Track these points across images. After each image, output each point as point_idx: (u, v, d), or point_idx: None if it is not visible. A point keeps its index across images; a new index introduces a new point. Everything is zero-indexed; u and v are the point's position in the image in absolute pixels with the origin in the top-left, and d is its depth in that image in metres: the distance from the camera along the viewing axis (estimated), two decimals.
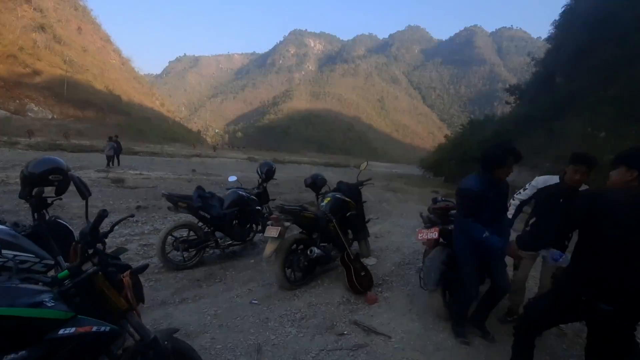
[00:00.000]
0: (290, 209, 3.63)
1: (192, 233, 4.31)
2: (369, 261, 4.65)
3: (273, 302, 3.42)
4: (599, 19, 20.44)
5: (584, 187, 2.80)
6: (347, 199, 4.37)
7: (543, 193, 2.99)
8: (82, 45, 78.06)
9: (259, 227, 4.96)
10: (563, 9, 28.04)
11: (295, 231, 4.08)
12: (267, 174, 5.10)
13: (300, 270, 3.79)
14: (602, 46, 19.44)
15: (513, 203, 3.18)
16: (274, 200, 5.49)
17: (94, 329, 1.25)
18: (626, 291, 1.66)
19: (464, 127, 35.06)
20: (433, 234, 3.14)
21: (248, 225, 4.89)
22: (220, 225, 4.41)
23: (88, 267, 1.41)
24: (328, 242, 4.07)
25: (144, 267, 1.64)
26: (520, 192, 3.20)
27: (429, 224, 3.38)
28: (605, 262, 1.70)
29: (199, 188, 4.48)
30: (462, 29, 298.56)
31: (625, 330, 1.76)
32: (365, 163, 4.96)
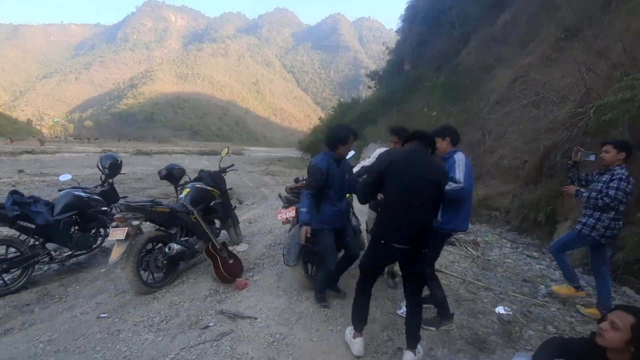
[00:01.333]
0: (138, 205, 3.25)
1: (12, 249, 3.44)
2: (239, 248, 4.62)
3: (127, 311, 3.07)
4: (433, 15, 24.64)
5: None
6: (209, 187, 4.18)
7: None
8: None
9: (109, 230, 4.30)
10: (407, 4, 32.64)
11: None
12: (112, 168, 4.41)
13: (159, 270, 3.48)
14: (436, 39, 23.63)
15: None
16: (125, 197, 4.83)
17: None
18: (408, 230, 2.15)
19: (335, 110, 37.86)
20: (291, 212, 3.31)
21: (94, 231, 4.19)
22: (51, 234, 3.65)
23: None
24: (191, 235, 3.84)
25: None
26: (363, 163, 3.67)
27: (287, 203, 3.54)
28: (392, 208, 2.21)
29: (14, 193, 3.58)
30: (328, 16, 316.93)
31: (420, 262, 2.27)
32: (227, 149, 4.81)
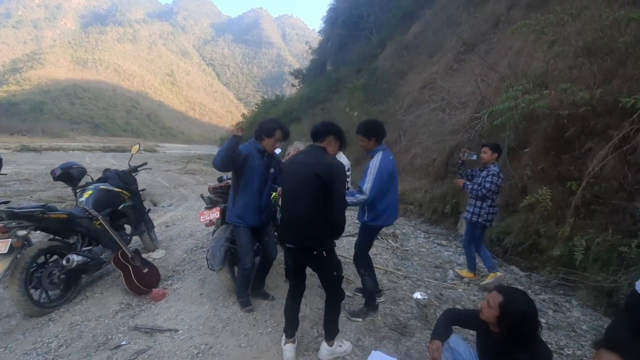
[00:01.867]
0: (24, 212, 2.70)
1: None
2: (155, 254, 4.20)
3: (15, 339, 2.56)
4: (353, 20, 25.80)
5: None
6: (117, 189, 3.69)
7: None
8: None
9: None
10: (329, 7, 33.61)
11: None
12: None
13: (55, 286, 2.96)
14: (355, 42, 24.78)
15: None
16: (7, 202, 3.97)
17: None
18: (291, 229, 2.21)
19: (259, 106, 37.13)
20: (215, 214, 3.10)
21: None
22: None
23: None
24: (96, 243, 3.35)
25: None
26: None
27: (210, 204, 3.32)
28: (282, 208, 2.31)
29: None
30: (250, 9, 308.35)
31: (321, 264, 2.27)
32: (138, 145, 4.30)
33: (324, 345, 2.38)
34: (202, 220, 3.16)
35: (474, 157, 3.79)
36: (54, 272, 2.94)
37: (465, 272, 4.07)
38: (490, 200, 3.56)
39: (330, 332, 2.37)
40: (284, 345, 2.37)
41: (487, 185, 3.48)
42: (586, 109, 3.90)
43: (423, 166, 8.08)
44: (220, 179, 3.87)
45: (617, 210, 3.58)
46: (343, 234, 2.88)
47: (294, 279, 2.42)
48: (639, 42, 3.74)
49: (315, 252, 2.18)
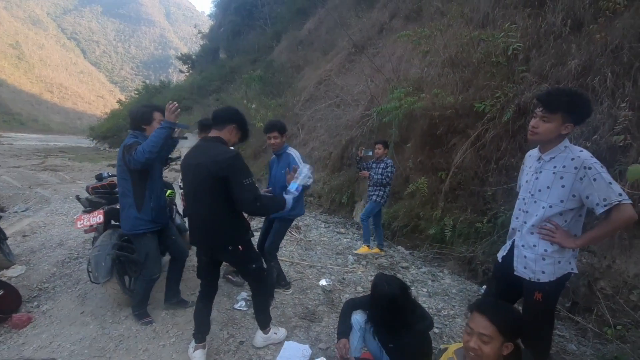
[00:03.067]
0: None
1: None
2: (11, 272, 3.36)
3: None
4: (247, 8, 24.94)
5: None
6: None
7: None
8: None
9: None
10: None
11: None
12: None
13: None
14: (250, 32, 24.07)
15: None
16: None
17: None
18: (195, 230, 2.17)
19: (139, 92, 32.91)
20: (97, 217, 2.65)
21: None
22: None
23: None
24: None
25: None
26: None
27: (90, 207, 2.82)
28: (188, 213, 2.23)
29: None
30: None
31: (238, 260, 2.26)
32: None
33: (259, 333, 2.44)
34: (79, 226, 2.66)
35: (370, 153, 4.59)
36: None
37: (362, 249, 4.71)
38: (388, 187, 4.51)
39: (262, 323, 2.43)
40: (193, 352, 2.22)
41: (389, 174, 4.41)
42: (452, 111, 4.71)
43: (321, 159, 8.47)
44: (100, 177, 3.30)
45: (474, 194, 4.45)
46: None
47: (206, 277, 2.29)
48: (487, 58, 4.67)
49: (230, 247, 2.12)
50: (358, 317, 2.18)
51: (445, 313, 3.12)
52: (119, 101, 39.11)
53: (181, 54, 36.76)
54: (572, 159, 1.65)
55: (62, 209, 6.33)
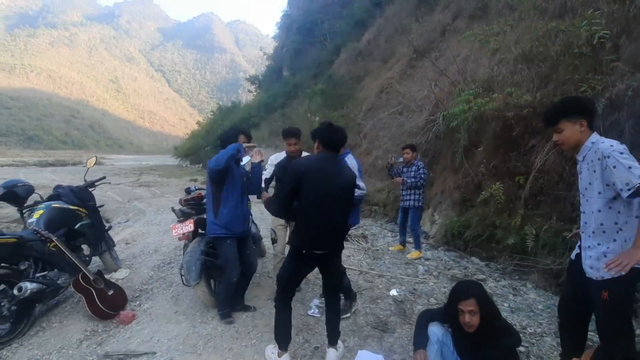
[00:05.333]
0: None
1: None
2: (118, 275, 3.92)
3: None
4: (307, 27, 26.09)
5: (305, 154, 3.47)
6: (71, 206, 3.41)
7: (278, 167, 3.47)
8: None
9: None
10: (283, 13, 33.69)
11: None
12: None
13: (4, 320, 2.66)
14: (311, 48, 25.07)
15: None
16: None
17: None
18: (328, 236, 2.24)
19: (215, 113, 36.09)
20: (188, 226, 3.00)
21: None
22: None
23: None
24: (51, 268, 3.06)
25: None
26: (263, 172, 3.59)
27: (182, 217, 3.19)
28: (310, 216, 2.20)
29: None
30: (200, 14, 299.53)
31: (338, 263, 2.44)
32: (94, 158, 4.02)
33: (332, 351, 2.35)
34: (174, 234, 3.03)
35: (400, 159, 4.86)
36: (2, 303, 2.64)
37: (414, 254, 4.78)
38: (422, 188, 4.72)
39: (337, 336, 2.41)
40: (279, 357, 2.30)
41: (422, 175, 4.62)
42: (529, 110, 4.33)
43: (384, 168, 8.38)
44: (188, 190, 3.73)
45: (559, 199, 4.00)
46: None
47: (294, 288, 2.45)
48: (568, 50, 4.23)
49: (339, 252, 2.38)
50: (435, 329, 2.10)
51: (531, 331, 2.84)
52: (198, 122, 43.24)
53: (249, 75, 39.53)
54: (595, 152, 1.75)
55: (156, 220, 7.21)
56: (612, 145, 1.70)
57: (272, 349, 2.40)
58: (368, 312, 3.16)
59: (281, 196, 2.39)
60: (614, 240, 1.72)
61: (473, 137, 5.52)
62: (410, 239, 5.02)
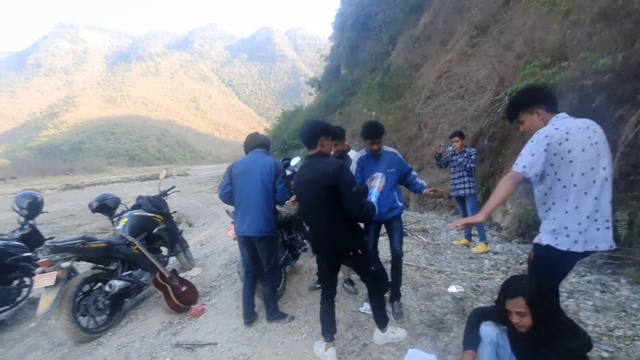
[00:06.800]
0: (65, 244, 2.93)
1: None
2: (192, 272, 4.38)
3: None
4: (362, 21, 25.80)
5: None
6: (149, 214, 3.91)
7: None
8: None
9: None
10: (336, 12, 33.80)
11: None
12: (31, 208, 3.91)
13: (101, 312, 3.16)
14: (366, 43, 24.75)
15: None
16: (52, 238, 4.32)
17: None
18: (319, 240, 2.31)
19: (279, 119, 37.81)
20: None
21: (17, 282, 3.68)
22: None
23: None
24: (135, 268, 3.56)
25: None
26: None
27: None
28: (308, 225, 2.41)
29: None
30: (261, 28, 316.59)
31: (361, 264, 2.37)
32: (165, 171, 4.55)
33: (377, 332, 2.50)
34: (229, 235, 3.28)
35: (449, 148, 4.66)
36: (98, 298, 3.14)
37: (480, 247, 4.47)
38: (474, 174, 4.56)
39: (381, 322, 2.49)
40: (326, 350, 2.35)
41: (473, 157, 4.43)
42: (610, 75, 3.66)
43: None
44: None
45: None
46: None
47: (326, 283, 2.46)
48: None
49: (351, 253, 2.26)
50: (488, 329, 1.92)
51: (620, 333, 2.40)
52: (265, 129, 45.79)
53: (309, 78, 40.47)
54: None
55: (227, 222, 7.84)
56: (545, 129, 1.78)
57: (320, 344, 2.47)
58: (423, 309, 3.02)
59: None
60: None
61: None
62: (475, 231, 4.65)
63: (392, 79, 15.60)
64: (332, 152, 3.24)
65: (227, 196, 2.98)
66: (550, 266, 1.82)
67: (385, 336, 2.48)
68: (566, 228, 1.71)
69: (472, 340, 1.92)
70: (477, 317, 2.00)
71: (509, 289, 1.70)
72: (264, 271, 2.93)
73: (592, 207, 1.69)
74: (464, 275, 3.75)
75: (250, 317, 2.95)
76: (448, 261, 4.22)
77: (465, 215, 4.73)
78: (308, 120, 27.50)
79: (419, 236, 5.19)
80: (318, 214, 2.21)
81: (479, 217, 1.79)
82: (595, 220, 1.69)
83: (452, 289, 3.35)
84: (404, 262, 4.00)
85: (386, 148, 2.94)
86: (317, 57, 44.15)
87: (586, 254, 1.75)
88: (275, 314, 2.95)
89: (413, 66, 14.71)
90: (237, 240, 3.16)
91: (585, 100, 4.07)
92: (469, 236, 4.86)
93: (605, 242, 1.72)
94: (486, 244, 4.49)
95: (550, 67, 4.39)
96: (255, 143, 3.07)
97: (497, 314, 1.82)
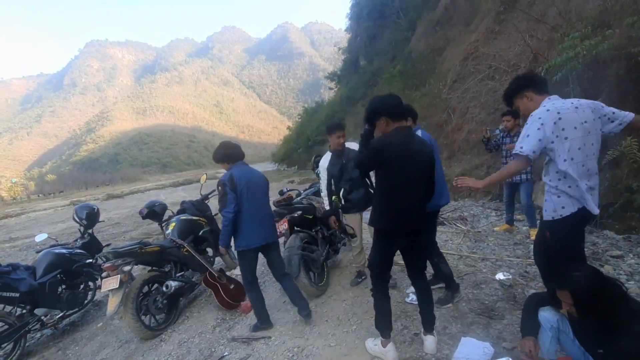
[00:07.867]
0: (126, 250, 3.15)
1: None
2: (237, 271, 4.54)
3: None
4: (378, 9, 25.31)
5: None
6: (194, 217, 4.11)
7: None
8: None
9: (98, 282, 4.14)
10: (352, 2, 33.10)
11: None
12: (89, 218, 4.24)
13: (160, 311, 3.38)
14: (385, 31, 24.30)
15: None
16: (108, 245, 4.65)
17: None
18: (414, 214, 2.12)
19: (301, 116, 38.05)
20: (283, 226, 3.31)
21: (82, 286, 4.01)
22: (38, 299, 3.47)
23: None
24: (186, 269, 3.76)
25: None
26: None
27: (277, 217, 3.53)
28: (394, 195, 2.10)
29: None
30: (277, 26, 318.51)
31: (424, 244, 2.36)
32: (205, 175, 4.75)
33: (430, 338, 2.30)
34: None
35: (497, 132, 4.44)
36: (157, 298, 3.36)
37: (533, 232, 4.14)
38: None
39: (433, 322, 2.32)
40: (385, 347, 2.29)
41: None
42: None
43: (480, 142, 7.61)
44: (281, 192, 4.10)
45: None
46: None
47: (389, 270, 2.36)
48: None
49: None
50: (548, 315, 1.87)
51: None
52: (288, 127, 46.25)
53: (328, 73, 40.31)
54: None
55: None
56: (540, 111, 1.92)
57: (373, 341, 2.41)
58: (471, 297, 2.98)
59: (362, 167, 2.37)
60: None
61: (588, 88, 4.60)
62: (518, 216, 4.48)
63: (414, 65, 15.25)
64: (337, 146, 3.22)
65: (236, 214, 2.77)
66: (567, 235, 1.96)
67: (436, 339, 2.33)
68: (569, 196, 1.91)
69: (531, 326, 1.88)
70: (534, 303, 1.96)
71: (556, 279, 1.66)
72: (279, 273, 3.04)
73: (586, 177, 1.91)
74: (510, 261, 3.64)
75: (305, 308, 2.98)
76: (491, 248, 4.11)
77: (510, 203, 4.59)
78: (329, 114, 27.30)
79: (458, 224, 5.08)
80: (417, 187, 2.12)
81: (479, 184, 2.11)
82: (591, 189, 1.93)
83: (500, 276, 3.27)
84: (445, 251, 3.98)
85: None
86: (335, 50, 43.85)
87: (591, 216, 1.96)
88: (307, 304, 3.03)
89: (435, 50, 14.30)
90: (281, 237, 3.27)
91: (634, 70, 3.82)
92: (510, 221, 4.68)
93: (595, 208, 1.93)
94: (537, 229, 4.30)
95: (592, 37, 4.12)
96: (242, 155, 3.06)
97: (552, 300, 1.79)
